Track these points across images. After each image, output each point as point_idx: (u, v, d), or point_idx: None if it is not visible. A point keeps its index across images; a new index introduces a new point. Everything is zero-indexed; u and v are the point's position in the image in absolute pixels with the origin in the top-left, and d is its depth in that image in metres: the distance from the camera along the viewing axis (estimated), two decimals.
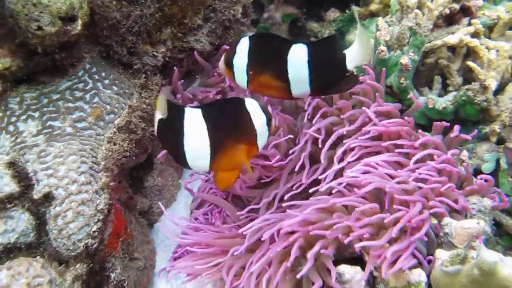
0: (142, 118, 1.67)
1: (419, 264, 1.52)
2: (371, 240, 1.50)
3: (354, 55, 1.58)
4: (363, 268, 1.52)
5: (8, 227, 1.37)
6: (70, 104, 1.59)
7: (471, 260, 1.38)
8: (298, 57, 1.56)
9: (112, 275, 1.60)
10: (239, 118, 1.47)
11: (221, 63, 1.61)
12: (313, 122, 1.79)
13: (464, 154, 1.81)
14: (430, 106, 1.90)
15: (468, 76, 1.98)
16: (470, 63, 1.82)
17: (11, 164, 1.47)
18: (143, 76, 1.79)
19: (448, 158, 1.68)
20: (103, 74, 1.67)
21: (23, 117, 1.56)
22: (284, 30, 2.86)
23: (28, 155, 1.49)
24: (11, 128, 1.55)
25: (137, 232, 1.78)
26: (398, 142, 1.72)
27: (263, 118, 1.48)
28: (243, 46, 1.57)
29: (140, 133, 1.65)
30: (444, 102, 1.89)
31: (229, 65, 1.59)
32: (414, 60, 1.89)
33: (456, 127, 1.76)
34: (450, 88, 1.99)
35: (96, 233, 1.44)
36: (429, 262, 1.53)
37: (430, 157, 1.69)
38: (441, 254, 1.46)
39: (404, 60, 1.87)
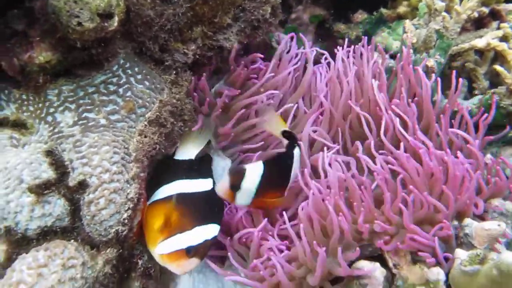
0: (171, 113, 1.73)
1: (438, 264, 1.54)
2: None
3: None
4: (382, 265, 1.56)
5: (45, 211, 1.44)
6: (105, 97, 1.66)
7: (490, 261, 1.40)
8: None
9: (140, 262, 1.66)
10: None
11: (223, 186, 1.65)
12: None
13: (488, 157, 1.82)
14: (455, 108, 1.92)
15: (495, 81, 2.00)
16: (497, 67, 1.83)
17: (49, 153, 1.54)
18: (174, 72, 1.84)
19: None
20: (136, 69, 1.74)
21: (61, 108, 1.63)
22: (311, 31, 2.88)
23: (65, 145, 1.57)
24: (49, 118, 1.63)
25: None
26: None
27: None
28: (256, 173, 1.66)
29: (170, 127, 1.71)
30: (470, 105, 1.91)
31: (234, 188, 1.65)
32: (440, 62, 1.92)
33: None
34: (476, 92, 2.01)
35: (126, 221, 1.51)
36: (447, 260, 1.55)
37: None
38: (460, 254, 1.48)
39: (430, 62, 1.90)
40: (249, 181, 1.64)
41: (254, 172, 1.65)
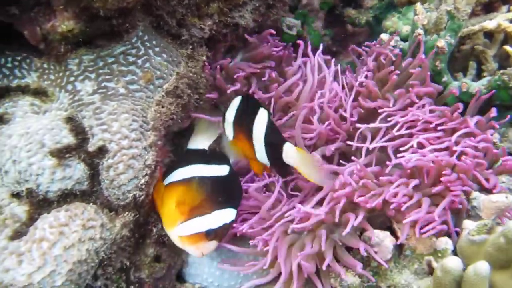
0: (188, 85, 1.77)
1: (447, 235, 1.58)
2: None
3: (290, 155, 1.67)
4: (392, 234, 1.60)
5: (66, 174, 1.48)
6: (124, 68, 1.70)
7: (498, 230, 1.44)
8: (260, 126, 1.72)
9: (155, 229, 1.71)
10: None
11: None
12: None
13: (495, 136, 1.86)
14: (464, 89, 1.95)
15: (505, 64, 2.02)
16: (507, 47, 1.87)
17: (69, 119, 1.58)
18: (190, 47, 1.88)
19: (486, 136, 1.73)
20: (154, 42, 1.78)
21: (81, 77, 1.68)
22: (321, 18, 2.91)
23: (85, 112, 1.61)
24: (69, 87, 1.67)
25: None
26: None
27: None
28: (234, 105, 1.78)
29: (186, 99, 1.75)
30: (478, 86, 1.94)
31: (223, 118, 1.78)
32: (451, 44, 1.95)
33: (493, 109, 1.81)
34: (485, 74, 2.04)
35: (144, 186, 1.55)
36: (457, 233, 1.60)
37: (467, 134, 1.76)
38: (468, 224, 1.52)
39: (441, 43, 1.93)
40: (229, 113, 1.77)
41: (233, 105, 1.78)
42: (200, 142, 1.95)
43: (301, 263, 1.61)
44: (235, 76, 1.98)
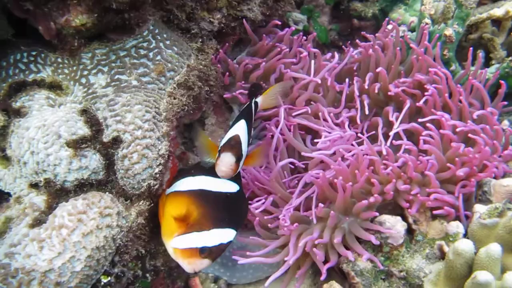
0: (199, 77, 1.80)
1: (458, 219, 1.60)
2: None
3: None
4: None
5: (82, 164, 1.52)
6: (136, 61, 1.73)
7: (509, 214, 1.45)
8: None
9: None
10: None
11: (231, 163, 1.58)
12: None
13: (505, 123, 1.87)
14: (471, 78, 1.96)
15: None
16: None
17: (84, 112, 1.62)
18: (200, 40, 1.92)
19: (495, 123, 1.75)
20: (164, 35, 1.81)
21: (94, 71, 1.71)
22: (327, 13, 2.93)
23: (99, 104, 1.65)
24: (83, 80, 1.71)
25: None
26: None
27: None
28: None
29: (197, 91, 1.78)
30: (487, 74, 1.95)
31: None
32: (458, 32, 1.96)
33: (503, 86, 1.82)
34: (493, 62, 2.05)
35: (158, 175, 1.58)
36: (467, 217, 1.61)
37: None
38: (479, 208, 1.54)
39: (448, 31, 1.94)
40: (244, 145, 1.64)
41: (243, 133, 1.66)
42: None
43: (313, 250, 1.63)
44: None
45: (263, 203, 1.84)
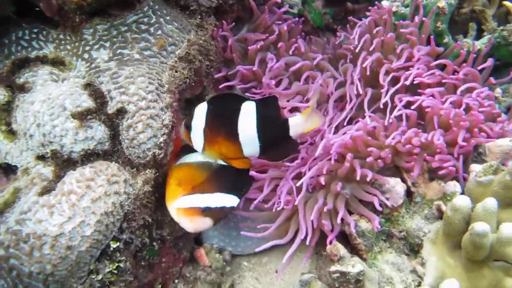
0: (199, 51, 1.83)
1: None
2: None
3: (297, 124, 1.64)
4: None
5: (88, 134, 1.55)
6: (137, 35, 1.76)
7: (504, 170, 1.50)
8: (247, 120, 1.64)
9: None
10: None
11: (181, 127, 1.69)
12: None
13: (498, 91, 1.92)
14: (465, 49, 2.01)
15: (504, 24, 2.07)
16: (506, 3, 1.92)
17: (88, 85, 1.65)
18: (199, 17, 1.94)
19: (489, 93, 1.80)
20: (164, 11, 1.84)
21: (96, 46, 1.74)
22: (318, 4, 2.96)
23: (102, 78, 1.68)
24: (86, 55, 1.74)
25: None
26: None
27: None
28: (201, 111, 1.66)
29: (198, 64, 1.81)
30: (479, 45, 2.00)
31: (188, 127, 1.67)
32: (451, 4, 2.01)
33: (490, 60, 1.87)
34: (485, 34, 2.09)
35: (162, 145, 1.62)
36: (464, 179, 1.66)
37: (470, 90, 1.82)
38: (475, 168, 1.59)
39: (441, 3, 1.99)
40: (197, 120, 1.66)
41: (200, 111, 1.67)
42: None
43: (322, 221, 1.68)
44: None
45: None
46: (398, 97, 1.89)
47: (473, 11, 2.13)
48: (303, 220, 1.75)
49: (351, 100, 1.98)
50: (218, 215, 1.61)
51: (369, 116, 1.82)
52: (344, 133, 1.81)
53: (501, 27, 1.93)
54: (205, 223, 1.59)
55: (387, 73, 1.92)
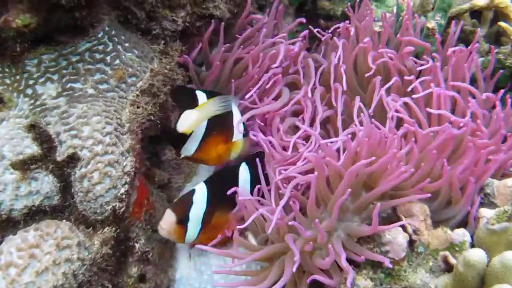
0: (164, 83, 1.61)
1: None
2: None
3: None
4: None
5: (32, 188, 1.29)
6: (91, 66, 1.51)
7: None
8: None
9: (137, 245, 1.54)
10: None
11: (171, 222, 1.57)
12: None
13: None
14: None
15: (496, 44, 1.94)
16: (502, 23, 1.78)
17: (32, 127, 1.39)
18: (163, 42, 1.72)
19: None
20: (122, 37, 1.60)
21: (42, 79, 1.48)
22: (291, 14, 2.80)
23: (49, 117, 1.42)
24: (29, 91, 1.47)
25: (158, 204, 1.71)
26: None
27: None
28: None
29: (163, 98, 1.59)
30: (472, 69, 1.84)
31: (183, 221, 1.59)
32: (441, 24, 1.86)
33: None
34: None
35: (124, 196, 1.38)
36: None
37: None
38: (485, 213, 1.41)
39: (431, 24, 1.83)
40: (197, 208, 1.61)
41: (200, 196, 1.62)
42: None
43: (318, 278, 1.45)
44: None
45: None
46: (392, 98, 1.72)
47: (461, 31, 1.98)
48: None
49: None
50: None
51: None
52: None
53: (496, 50, 1.79)
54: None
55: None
